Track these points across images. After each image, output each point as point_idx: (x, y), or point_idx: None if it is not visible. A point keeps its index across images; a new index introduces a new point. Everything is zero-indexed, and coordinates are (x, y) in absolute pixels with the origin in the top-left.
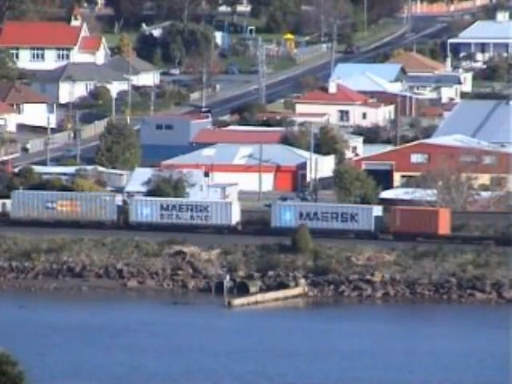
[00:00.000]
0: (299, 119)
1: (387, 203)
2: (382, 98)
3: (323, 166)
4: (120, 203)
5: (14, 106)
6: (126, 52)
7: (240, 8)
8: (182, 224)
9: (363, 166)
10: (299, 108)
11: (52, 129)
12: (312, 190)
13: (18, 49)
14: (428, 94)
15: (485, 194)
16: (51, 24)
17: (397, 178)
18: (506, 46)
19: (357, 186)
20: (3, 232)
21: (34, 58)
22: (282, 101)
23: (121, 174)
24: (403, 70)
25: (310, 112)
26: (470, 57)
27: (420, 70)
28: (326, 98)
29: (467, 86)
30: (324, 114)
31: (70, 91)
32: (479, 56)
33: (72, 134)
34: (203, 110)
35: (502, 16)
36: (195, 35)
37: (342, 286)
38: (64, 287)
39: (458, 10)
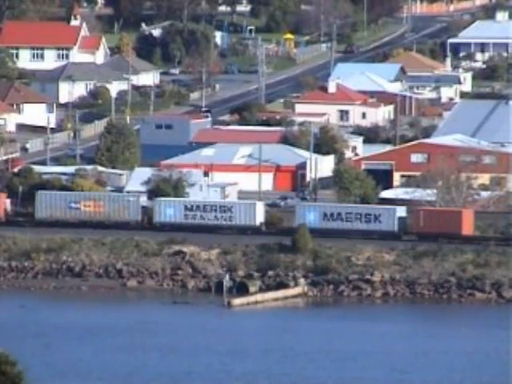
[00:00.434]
0: (299, 119)
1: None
2: (382, 97)
3: (323, 166)
4: (144, 204)
5: (14, 106)
6: (126, 52)
7: (240, 8)
8: (205, 225)
9: (363, 166)
10: (299, 108)
11: (52, 129)
12: (312, 190)
13: (17, 48)
14: (428, 93)
15: (484, 194)
16: (51, 24)
17: (396, 177)
18: (506, 45)
19: (356, 185)
20: (3, 232)
21: (33, 57)
22: (282, 100)
23: (120, 174)
24: (403, 70)
25: (310, 112)
26: (470, 57)
27: (420, 70)
28: (325, 97)
29: (467, 86)
30: (324, 114)
31: (70, 91)
32: (479, 56)
33: (72, 134)
34: (203, 109)
35: (501, 16)
36: (195, 35)
37: (341, 285)
38: (64, 287)
39: (457, 10)
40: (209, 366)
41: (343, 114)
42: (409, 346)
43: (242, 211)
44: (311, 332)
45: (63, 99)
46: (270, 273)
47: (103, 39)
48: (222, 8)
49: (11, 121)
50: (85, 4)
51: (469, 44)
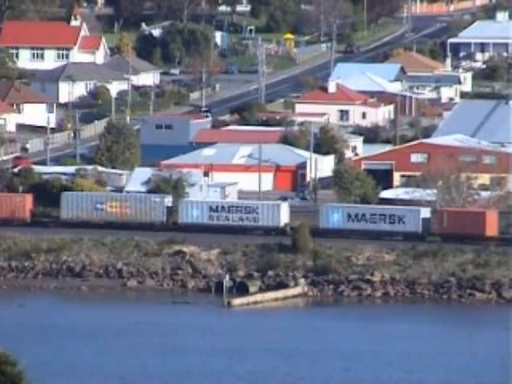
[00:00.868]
0: (299, 119)
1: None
2: (382, 97)
3: (323, 166)
4: (169, 204)
5: (14, 106)
6: (126, 52)
7: (240, 8)
8: (230, 225)
9: (363, 166)
10: (299, 108)
11: (52, 128)
12: (311, 190)
13: (17, 48)
14: (428, 93)
15: (484, 194)
16: (51, 24)
17: (396, 177)
18: (506, 45)
19: (356, 185)
20: (3, 232)
21: (33, 57)
22: (282, 100)
23: (121, 174)
24: (403, 70)
25: (310, 112)
26: (470, 56)
27: (420, 70)
28: (325, 97)
29: (467, 86)
30: (324, 114)
31: (70, 91)
32: (479, 56)
33: (72, 134)
34: (203, 109)
35: (501, 16)
36: (195, 35)
37: (341, 285)
38: (64, 287)
39: (457, 10)
40: (209, 366)
41: (343, 114)
42: (409, 345)
43: (267, 212)
44: (311, 332)
45: (63, 99)
46: (270, 273)
47: (103, 39)
48: (222, 8)
49: (11, 121)
50: (85, 4)
51: (469, 44)
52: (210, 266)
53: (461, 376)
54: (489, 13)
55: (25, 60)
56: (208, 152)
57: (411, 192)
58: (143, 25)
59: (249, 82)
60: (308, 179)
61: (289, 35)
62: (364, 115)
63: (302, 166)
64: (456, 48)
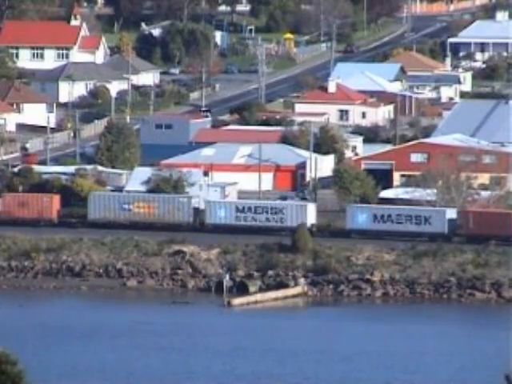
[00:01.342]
0: (299, 119)
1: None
2: (382, 97)
3: (323, 166)
4: (196, 205)
5: (14, 106)
6: (126, 51)
7: (239, 7)
8: (257, 226)
9: (363, 166)
10: (299, 107)
11: (52, 128)
12: (311, 190)
13: (17, 48)
14: (427, 93)
15: (484, 194)
16: (51, 23)
17: (396, 177)
18: (506, 45)
19: (356, 185)
20: (3, 231)
21: (33, 57)
22: (282, 100)
23: (120, 174)
24: (403, 70)
25: (310, 111)
26: (470, 56)
27: (420, 70)
28: (325, 97)
29: (467, 86)
30: (323, 114)
31: (70, 91)
32: (479, 55)
33: (72, 134)
34: (203, 109)
35: (501, 15)
36: (195, 35)
37: (341, 285)
38: (63, 286)
39: (457, 10)
40: (210, 365)
41: (343, 114)
42: (409, 345)
43: (294, 213)
44: (311, 332)
45: (63, 99)
46: (270, 272)
47: (103, 39)
48: (222, 8)
49: (11, 120)
50: (85, 4)
51: (469, 44)
52: (209, 265)
53: (461, 376)
54: (489, 12)
55: (25, 60)
56: (208, 152)
57: (411, 192)
58: (143, 24)
59: (249, 82)
60: (308, 179)
61: (289, 35)
62: (364, 115)
63: (302, 165)
64: (456, 48)
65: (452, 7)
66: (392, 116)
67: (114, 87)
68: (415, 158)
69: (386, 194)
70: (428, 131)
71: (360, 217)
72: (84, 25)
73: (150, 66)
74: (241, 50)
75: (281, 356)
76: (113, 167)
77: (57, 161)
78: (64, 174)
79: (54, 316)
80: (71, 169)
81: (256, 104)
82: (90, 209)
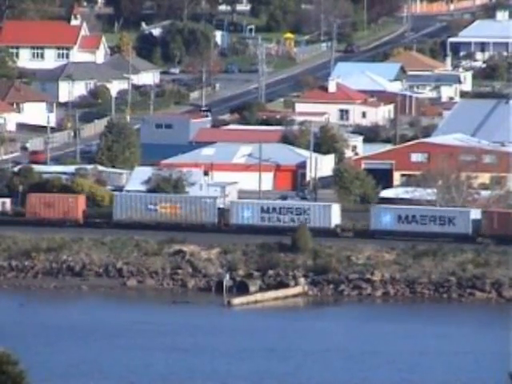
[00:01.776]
0: (299, 118)
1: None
2: (382, 97)
3: (323, 165)
4: (221, 206)
5: (14, 105)
6: (126, 51)
7: (240, 7)
8: (282, 226)
9: (363, 165)
10: (299, 107)
11: (52, 128)
12: (312, 189)
13: (17, 48)
14: (428, 93)
15: (484, 194)
16: (51, 23)
17: (397, 177)
18: (506, 45)
19: (356, 185)
20: (3, 231)
21: (33, 57)
22: (282, 100)
23: (121, 173)
24: (403, 69)
25: (310, 111)
26: (470, 56)
27: (420, 69)
28: (325, 97)
29: (467, 85)
30: (324, 113)
31: (70, 90)
32: (479, 55)
33: (72, 134)
34: (203, 109)
35: (501, 15)
36: (195, 34)
37: (341, 285)
38: (64, 286)
39: (457, 9)
40: (211, 365)
41: (343, 114)
42: (409, 345)
43: (318, 213)
44: (312, 332)
45: (63, 98)
46: (270, 272)
47: (103, 38)
48: (222, 7)
49: (11, 120)
50: (85, 3)
51: (469, 43)
52: (210, 265)
53: (461, 375)
54: (489, 12)
55: (25, 59)
56: (208, 151)
57: (411, 191)
58: (143, 24)
59: (249, 82)
60: (308, 179)
61: (289, 34)
62: (364, 114)
63: (302, 165)
64: (456, 47)
65: (452, 7)
66: (392, 116)
67: (114, 87)
68: (415, 157)
69: (386, 193)
70: (428, 131)
71: (384, 217)
72: (84, 24)
73: (150, 66)
74: (241, 49)
75: (282, 356)
76: (113, 167)
77: (57, 160)
78: (64, 173)
79: (53, 316)
80: (71, 168)
81: (256, 104)
82: (115, 209)
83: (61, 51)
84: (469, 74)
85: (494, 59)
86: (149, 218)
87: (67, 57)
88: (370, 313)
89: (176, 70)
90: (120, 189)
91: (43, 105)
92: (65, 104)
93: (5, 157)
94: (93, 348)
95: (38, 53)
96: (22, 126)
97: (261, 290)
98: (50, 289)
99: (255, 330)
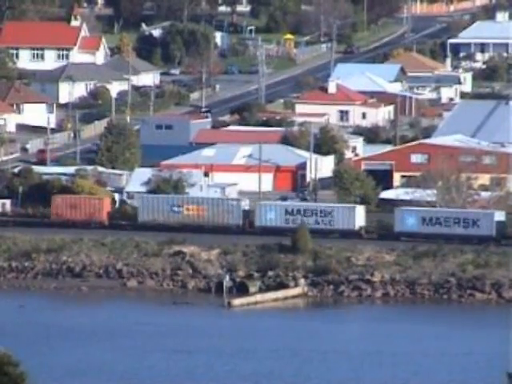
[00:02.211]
0: (299, 119)
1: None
2: (382, 98)
3: (323, 166)
4: (246, 208)
5: (14, 106)
6: (126, 52)
7: (240, 8)
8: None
9: (363, 166)
10: (299, 108)
11: (52, 129)
12: (311, 190)
13: (17, 49)
14: (428, 94)
15: (484, 194)
16: (51, 24)
17: (397, 178)
18: (506, 46)
19: (356, 186)
20: (3, 232)
21: (33, 58)
22: (282, 101)
23: (121, 174)
24: (403, 70)
25: (310, 112)
26: (470, 57)
27: (420, 70)
28: (325, 98)
29: (467, 86)
30: (324, 114)
31: (70, 91)
32: (479, 56)
33: (72, 135)
34: (203, 110)
35: (501, 16)
36: (195, 35)
37: (341, 286)
38: (64, 287)
39: (457, 10)
40: (211, 366)
41: (343, 115)
42: (410, 346)
43: (342, 215)
44: (311, 332)
45: (63, 99)
46: (270, 273)
47: (103, 39)
48: (222, 8)
49: (11, 121)
50: (85, 4)
51: (469, 44)
52: (210, 266)
53: (461, 376)
54: (489, 13)
55: (25, 60)
56: (208, 152)
57: (411, 192)
58: (143, 25)
59: (249, 83)
60: (308, 179)
61: (289, 35)
62: (364, 115)
63: (302, 166)
64: (456, 48)
65: (452, 8)
66: (392, 117)
67: (114, 88)
68: (415, 158)
69: (386, 194)
70: (428, 132)
71: (409, 220)
72: (84, 25)
73: (150, 67)
74: (241, 50)
75: (282, 357)
76: (113, 168)
77: (57, 161)
78: (64, 174)
79: (53, 317)
80: (71, 169)
81: (256, 105)
82: (140, 211)
83: (61, 52)
84: (469, 75)
85: (493, 60)
86: (174, 220)
87: (67, 58)
88: (370, 314)
89: (176, 71)
90: (120, 190)
91: (43, 106)
92: (65, 105)
93: (5, 158)
94: (93, 349)
95: (37, 54)
96: (21, 127)
97: (261, 290)
98: (50, 290)
99: (255, 330)
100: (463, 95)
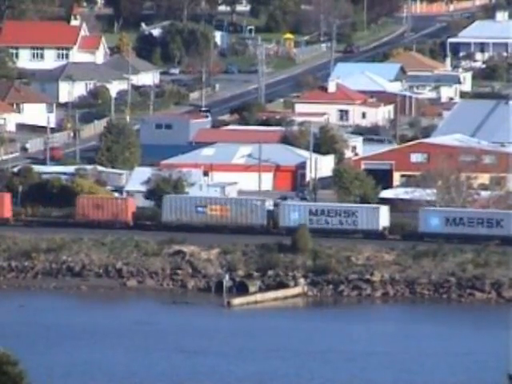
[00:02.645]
0: (299, 119)
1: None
2: (382, 97)
3: (323, 166)
4: (271, 208)
5: (14, 106)
6: (126, 51)
7: (239, 7)
8: (329, 229)
9: (363, 166)
10: (299, 107)
11: (51, 128)
12: (311, 190)
13: (17, 48)
14: (427, 93)
15: (484, 194)
16: (51, 23)
17: (396, 177)
18: (506, 45)
19: (356, 185)
20: (3, 232)
21: (33, 57)
22: (282, 100)
23: (120, 174)
24: (403, 70)
25: (310, 111)
26: (470, 56)
27: (419, 70)
28: (325, 97)
29: (467, 86)
30: (323, 114)
31: (70, 91)
32: (479, 55)
33: (72, 134)
34: (203, 109)
35: (501, 16)
36: (195, 35)
37: (341, 285)
38: (63, 286)
39: (457, 10)
40: (211, 366)
41: (343, 114)
42: (410, 346)
43: (366, 215)
44: (311, 332)
45: (63, 99)
46: (270, 273)
47: (103, 39)
48: (222, 8)
49: (11, 120)
50: (85, 4)
51: (469, 44)
52: (209, 265)
53: (461, 376)
54: (488, 13)
55: (25, 60)
56: (208, 152)
57: (411, 192)
58: (143, 24)
59: (248, 82)
60: (308, 179)
61: (288, 35)
62: (364, 115)
63: (302, 165)
64: (456, 48)
65: (452, 7)
66: (392, 116)
67: (114, 87)
68: (415, 158)
69: (385, 194)
70: (428, 131)
71: (433, 220)
72: (84, 25)
73: (149, 66)
74: (241, 50)
75: (282, 356)
76: (113, 167)
77: (57, 161)
78: (64, 173)
79: (53, 316)
80: (71, 169)
81: (256, 104)
82: (164, 211)
83: (60, 51)
84: (468, 75)
85: (493, 60)
86: (198, 220)
87: (67, 57)
88: (370, 313)
89: (176, 71)
90: (120, 189)
91: (43, 105)
92: (64, 104)
93: (5, 157)
94: (93, 349)
95: (37, 53)
96: (21, 127)
97: (260, 290)
98: (50, 289)
99: (255, 330)
100: (463, 95)
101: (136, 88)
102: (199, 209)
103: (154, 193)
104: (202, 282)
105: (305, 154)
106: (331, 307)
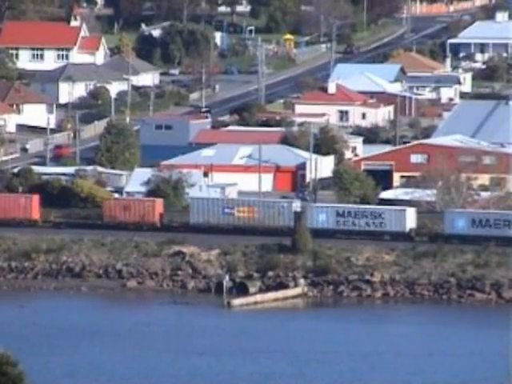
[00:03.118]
0: (299, 119)
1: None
2: (382, 98)
3: (323, 167)
4: (298, 209)
5: (14, 107)
6: (126, 52)
7: (239, 8)
8: (357, 230)
9: (363, 167)
10: (299, 108)
11: (51, 129)
12: (311, 191)
13: (17, 49)
14: (427, 94)
15: (484, 195)
16: (51, 24)
17: (396, 178)
18: (506, 46)
19: (356, 186)
20: (3, 232)
21: (33, 58)
22: (282, 101)
23: (120, 175)
24: (403, 71)
25: (310, 112)
26: (470, 57)
27: (419, 71)
28: (325, 98)
29: (467, 86)
30: (323, 115)
31: (70, 91)
32: (479, 56)
33: (72, 135)
34: (203, 110)
35: (501, 16)
36: (195, 35)
37: (341, 286)
38: (63, 287)
39: (457, 11)
40: (211, 367)
41: (343, 115)
42: (410, 346)
43: (393, 217)
44: (311, 333)
45: (63, 100)
46: (270, 273)
47: (103, 40)
48: (222, 8)
49: (11, 121)
50: (85, 4)
51: (468, 44)
52: (209, 266)
53: (461, 376)
54: (488, 13)
55: (24, 60)
56: (208, 152)
57: (411, 192)
58: (143, 25)
59: (248, 83)
60: (308, 180)
61: (288, 36)
62: (364, 116)
63: (302, 166)
64: (456, 48)
65: (452, 8)
66: (392, 117)
67: (114, 88)
68: (415, 158)
69: (385, 194)
70: (428, 132)
71: (459, 222)
72: (84, 25)
73: (149, 67)
74: (241, 50)
75: (282, 357)
76: (113, 168)
77: (57, 161)
78: (64, 174)
79: (53, 317)
80: (71, 170)
81: (256, 105)
82: (191, 213)
83: (60, 52)
84: (468, 75)
85: (493, 60)
86: (225, 222)
87: (67, 58)
88: (370, 314)
89: (176, 71)
90: (120, 190)
91: (43, 106)
92: (65, 105)
93: (5, 158)
94: (93, 349)
95: (37, 54)
96: (21, 127)
97: (260, 291)
98: (50, 290)
99: (255, 331)
100: (463, 95)
101: (136, 89)
102: (227, 210)
103: (154, 194)
104: (202, 282)
105: (305, 154)
106: (331, 308)
